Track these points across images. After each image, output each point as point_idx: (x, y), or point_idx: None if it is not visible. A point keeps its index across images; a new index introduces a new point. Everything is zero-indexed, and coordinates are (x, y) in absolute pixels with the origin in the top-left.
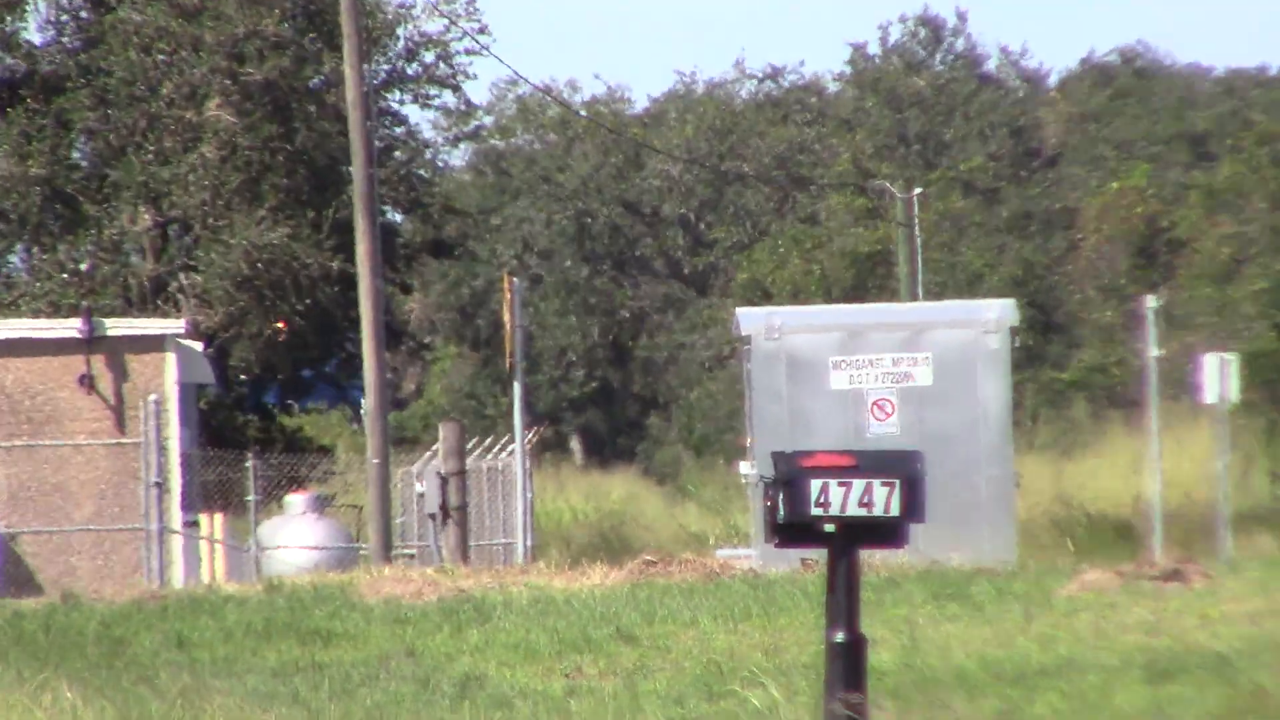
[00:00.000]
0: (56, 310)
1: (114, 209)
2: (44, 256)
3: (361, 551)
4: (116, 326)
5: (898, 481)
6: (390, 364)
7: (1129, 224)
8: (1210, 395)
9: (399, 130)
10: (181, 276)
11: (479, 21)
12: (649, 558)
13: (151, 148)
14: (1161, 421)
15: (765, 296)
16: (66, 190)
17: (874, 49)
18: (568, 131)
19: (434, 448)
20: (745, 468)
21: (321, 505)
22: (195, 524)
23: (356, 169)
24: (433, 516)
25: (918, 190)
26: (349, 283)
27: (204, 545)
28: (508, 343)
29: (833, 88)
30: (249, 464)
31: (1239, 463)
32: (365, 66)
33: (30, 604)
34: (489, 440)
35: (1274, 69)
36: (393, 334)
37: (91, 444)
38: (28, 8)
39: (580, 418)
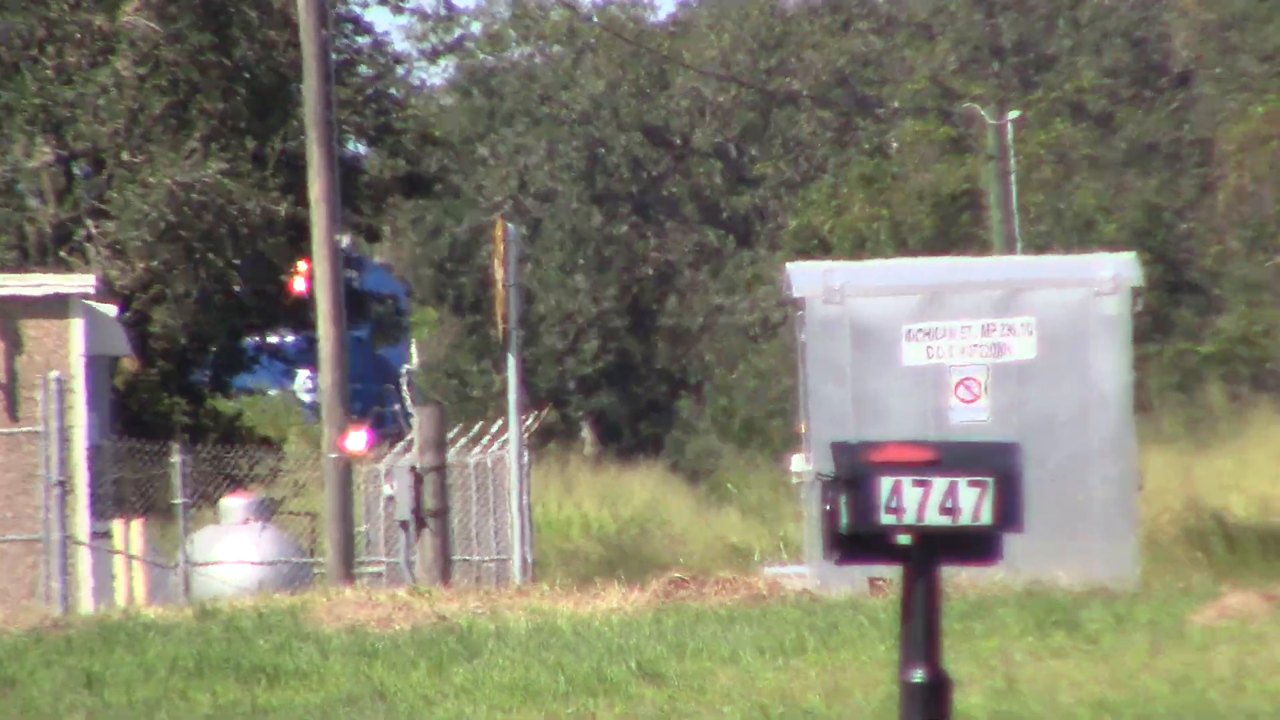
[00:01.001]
0: None
1: (4, 139)
2: None
3: (316, 568)
4: (9, 285)
5: (990, 481)
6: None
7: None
8: None
9: (363, 40)
10: (90, 223)
11: None
12: (678, 576)
13: (51, 62)
14: None
15: (823, 249)
16: None
17: None
18: (575, 42)
19: (406, 439)
20: (798, 463)
21: (267, 511)
22: (107, 534)
23: (309, 88)
24: (404, 524)
25: (1014, 115)
26: (299, 230)
27: (119, 560)
28: (499, 305)
29: None
30: (175, 459)
31: None
32: None
33: None
34: (476, 429)
35: None
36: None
37: None
38: None
39: (592, 400)
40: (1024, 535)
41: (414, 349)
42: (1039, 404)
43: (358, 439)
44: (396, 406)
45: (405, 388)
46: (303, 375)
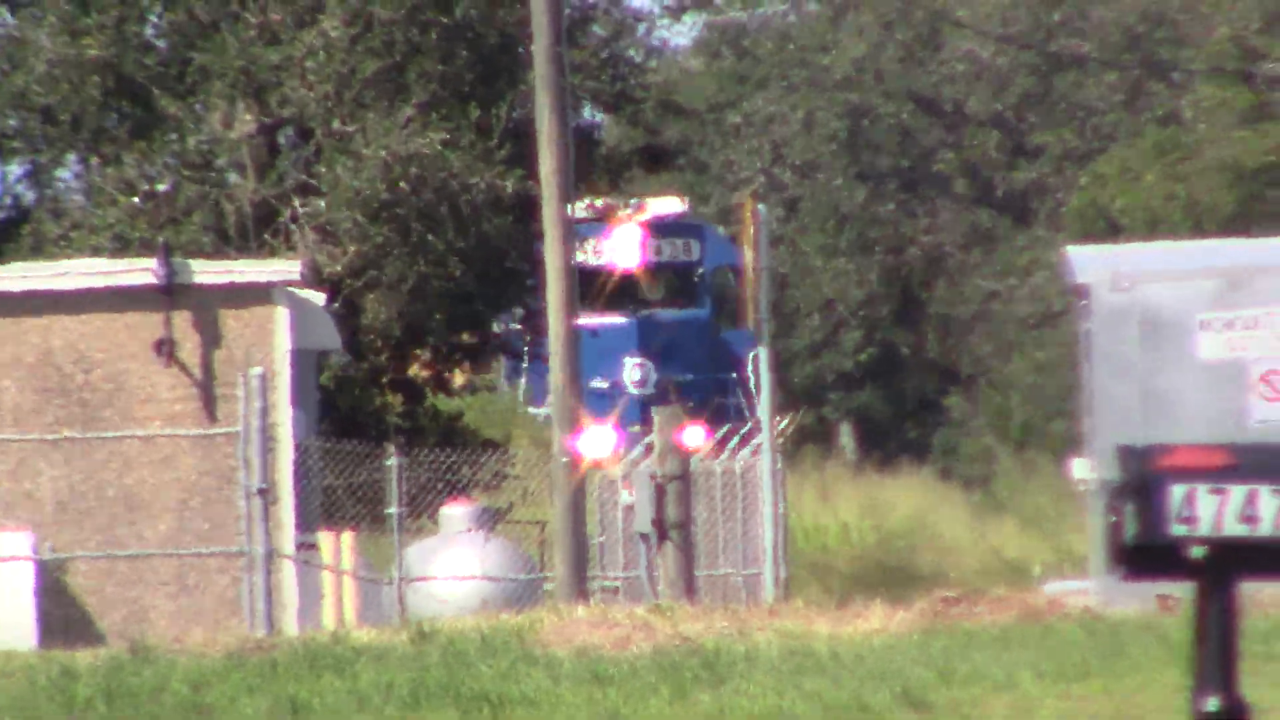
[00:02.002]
0: (124, 248)
1: (203, 107)
2: (106, 172)
3: (546, 584)
4: (206, 271)
5: None
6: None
7: None
8: None
9: None
10: (296, 202)
11: None
12: (948, 594)
13: (254, 21)
14: None
15: (1111, 229)
16: (137, 80)
17: None
18: None
19: (644, 441)
20: (1081, 468)
21: (491, 520)
22: (315, 546)
23: (539, 49)
24: (644, 536)
25: None
26: (529, 208)
27: (327, 576)
28: (750, 293)
29: None
30: (390, 462)
31: None
32: None
33: (86, 657)
34: (722, 431)
35: None
36: (684, 270)
37: (171, 435)
38: None
39: (854, 399)
40: None
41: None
42: None
43: (694, 435)
44: (741, 398)
45: (751, 376)
46: (631, 363)
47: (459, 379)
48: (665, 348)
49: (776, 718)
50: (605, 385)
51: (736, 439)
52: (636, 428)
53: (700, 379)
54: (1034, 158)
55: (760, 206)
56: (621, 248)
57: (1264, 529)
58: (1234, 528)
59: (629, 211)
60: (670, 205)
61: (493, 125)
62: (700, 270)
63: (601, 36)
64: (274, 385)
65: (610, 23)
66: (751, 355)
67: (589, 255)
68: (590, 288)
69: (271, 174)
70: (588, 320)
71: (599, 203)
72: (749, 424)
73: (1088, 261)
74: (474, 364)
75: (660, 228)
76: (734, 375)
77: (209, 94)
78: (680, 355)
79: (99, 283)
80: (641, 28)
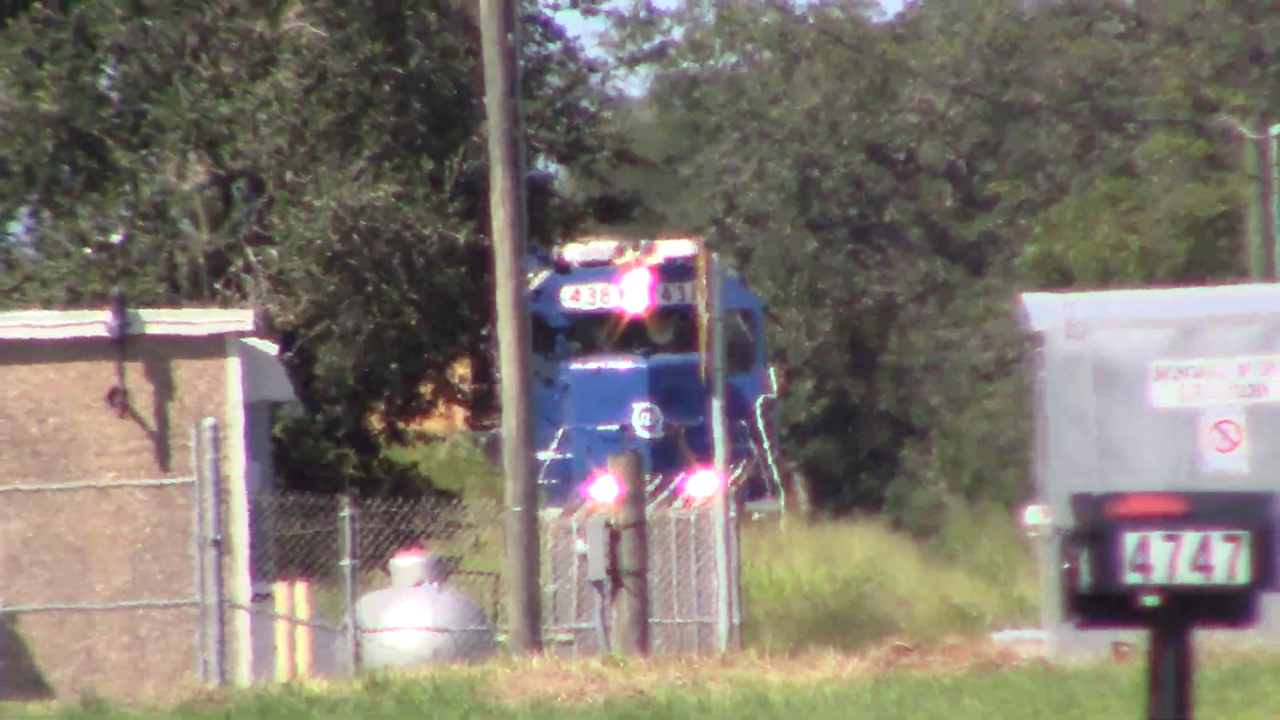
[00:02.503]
0: (75, 299)
1: (156, 158)
2: (59, 225)
3: (499, 635)
4: (159, 321)
5: (1246, 534)
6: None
7: None
8: None
9: (553, 47)
10: (249, 252)
11: None
12: (901, 644)
13: (207, 73)
14: None
15: (1064, 278)
16: (90, 132)
17: None
18: (789, 47)
19: (651, 486)
20: (1034, 516)
21: (444, 571)
22: (269, 597)
23: (492, 100)
24: (598, 585)
25: (1277, 129)
26: (482, 259)
27: (281, 627)
28: (704, 342)
29: None
30: (344, 514)
31: None
32: None
33: (38, 710)
34: (676, 480)
35: None
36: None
37: (124, 485)
38: None
39: (806, 448)
40: None
41: (774, 375)
42: None
43: (705, 480)
44: (752, 445)
45: (761, 422)
46: (639, 408)
47: (437, 423)
48: (673, 392)
49: None
50: (615, 429)
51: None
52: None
53: (709, 424)
54: (987, 208)
55: (715, 254)
56: (631, 291)
57: (1217, 577)
58: (1187, 576)
59: (639, 255)
60: (681, 248)
61: (445, 176)
62: (709, 315)
63: (556, 87)
64: (227, 436)
65: (565, 74)
66: (760, 401)
67: (598, 299)
68: (599, 331)
69: (224, 224)
70: (596, 364)
71: (564, 249)
72: (743, 467)
73: (1043, 309)
74: (427, 415)
75: (670, 270)
76: (742, 421)
77: (162, 146)
78: (688, 399)
79: (53, 334)
80: (596, 78)
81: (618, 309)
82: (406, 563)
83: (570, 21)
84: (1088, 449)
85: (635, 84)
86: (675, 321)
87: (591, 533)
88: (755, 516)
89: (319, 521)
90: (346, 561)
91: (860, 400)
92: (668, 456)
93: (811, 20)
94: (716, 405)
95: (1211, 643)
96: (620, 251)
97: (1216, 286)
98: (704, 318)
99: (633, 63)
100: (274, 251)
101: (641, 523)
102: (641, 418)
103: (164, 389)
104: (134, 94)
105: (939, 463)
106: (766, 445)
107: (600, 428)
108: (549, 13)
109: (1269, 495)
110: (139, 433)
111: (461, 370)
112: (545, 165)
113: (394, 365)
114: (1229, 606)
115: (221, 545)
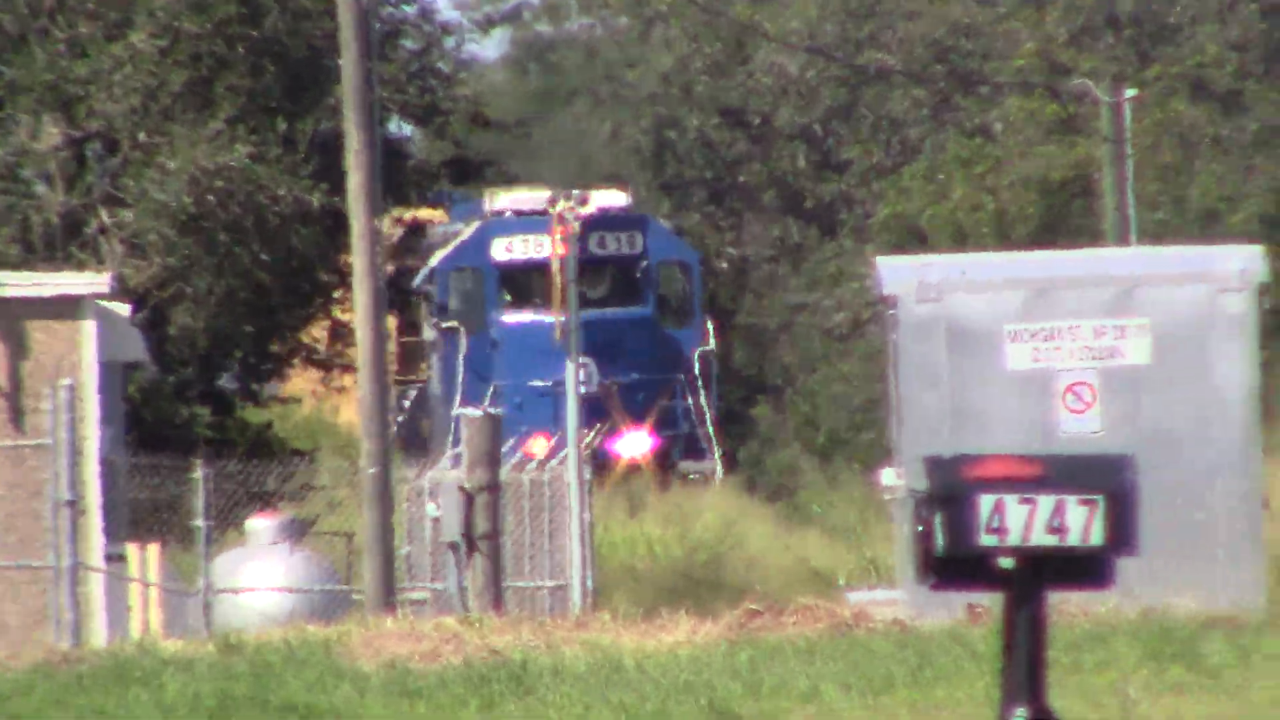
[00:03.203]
0: None
1: (9, 120)
2: None
3: (354, 596)
4: (13, 284)
5: (1101, 498)
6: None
7: None
8: None
9: (409, 10)
10: (103, 213)
11: None
12: (754, 606)
13: (62, 34)
14: None
15: (918, 241)
16: None
17: None
18: (643, 9)
19: (453, 452)
20: (889, 478)
21: (298, 532)
22: (122, 558)
23: (347, 63)
24: (453, 547)
25: (1131, 93)
26: (337, 221)
27: (134, 588)
28: (555, 301)
29: None
30: (197, 474)
31: None
32: None
33: None
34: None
35: None
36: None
37: None
38: None
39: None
40: (1139, 558)
41: (711, 328)
42: (1155, 413)
43: (637, 442)
44: (689, 400)
45: (700, 376)
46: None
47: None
48: (607, 346)
49: None
50: (547, 384)
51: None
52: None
53: (644, 379)
54: (841, 170)
55: (566, 214)
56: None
57: (1072, 539)
58: (1042, 538)
59: (570, 205)
60: (613, 198)
61: (300, 138)
62: (644, 265)
63: (411, 50)
64: (81, 397)
65: (420, 36)
66: (698, 354)
67: (530, 250)
68: (529, 284)
69: (79, 186)
70: (525, 318)
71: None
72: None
73: (895, 272)
74: (281, 375)
75: (601, 221)
76: (681, 376)
77: (16, 107)
78: (623, 355)
79: None
80: (450, 41)
81: (548, 259)
82: (260, 524)
83: None
84: (941, 411)
85: (490, 46)
86: (608, 273)
87: (446, 495)
88: (691, 477)
89: (174, 482)
90: (200, 523)
91: (715, 361)
92: (599, 413)
93: None
94: (570, 366)
95: (1067, 605)
96: (553, 201)
97: (1071, 249)
98: (555, 278)
99: (488, 25)
100: (128, 214)
101: (496, 486)
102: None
103: (17, 350)
104: None
105: (794, 424)
106: (704, 401)
107: (532, 383)
108: None
109: (1124, 458)
110: None
111: (317, 332)
112: (400, 127)
113: (247, 328)
114: (1084, 569)
115: (75, 506)
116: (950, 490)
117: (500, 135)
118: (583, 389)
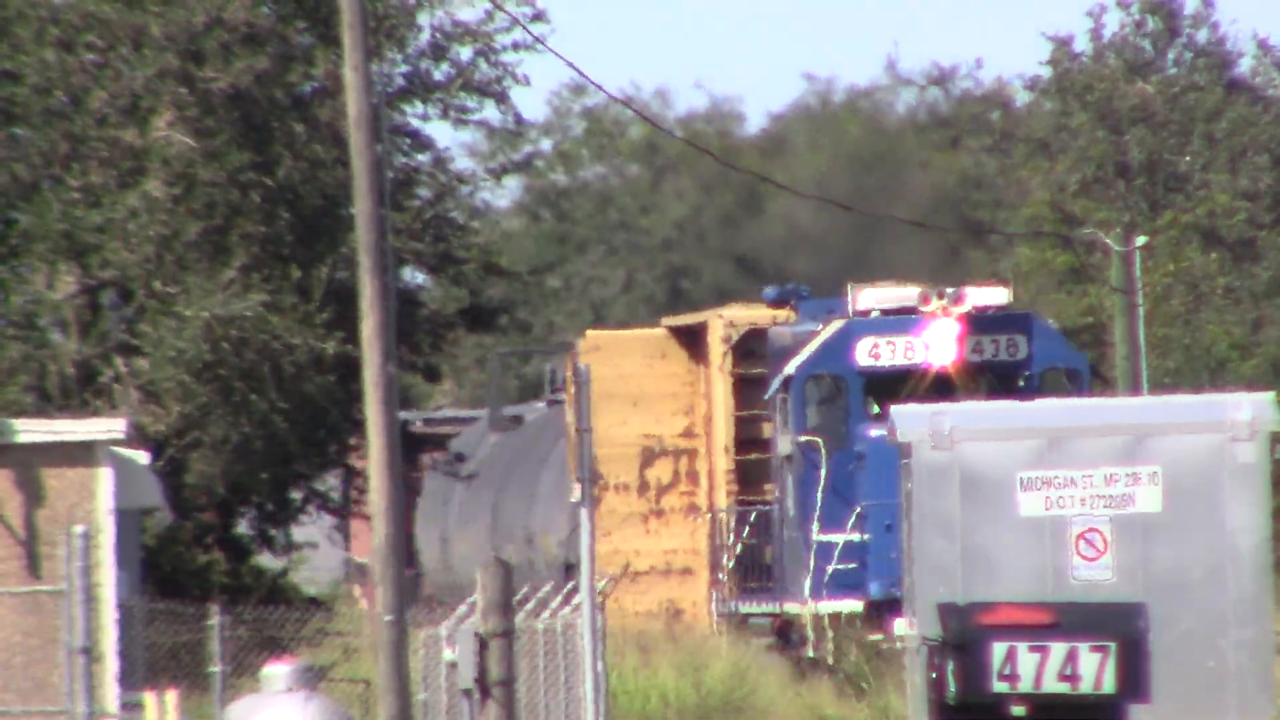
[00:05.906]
0: None
1: (24, 268)
2: None
3: None
4: (29, 430)
5: (1113, 645)
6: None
7: None
8: None
9: (422, 158)
10: (118, 361)
11: (533, 5)
12: None
13: (76, 183)
14: None
15: None
16: None
17: (1082, 44)
18: (656, 160)
19: (469, 600)
20: (902, 625)
21: (313, 679)
22: (138, 705)
23: (360, 211)
24: (468, 693)
25: (1141, 242)
26: (351, 369)
27: None
28: (573, 454)
29: (1023, 98)
30: (213, 622)
31: None
32: (374, 67)
33: None
34: (545, 590)
35: None
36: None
37: None
38: None
39: None
40: (1150, 705)
41: None
42: (1167, 561)
43: None
44: None
45: None
46: None
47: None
48: None
49: None
50: None
51: (559, 599)
52: None
53: None
54: None
55: (583, 365)
56: (936, 344)
57: (1084, 687)
58: (1054, 686)
59: (945, 303)
60: (993, 295)
61: (314, 287)
62: (1027, 373)
63: (425, 198)
64: (97, 543)
65: (434, 184)
66: None
67: (899, 354)
68: (898, 393)
69: (93, 333)
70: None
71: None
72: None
73: (909, 421)
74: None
75: (979, 321)
76: None
77: (30, 255)
78: None
79: None
80: (464, 189)
81: (923, 363)
82: (276, 670)
83: (439, 132)
84: (954, 558)
85: (503, 193)
86: (987, 379)
87: (461, 640)
88: None
89: (190, 629)
90: (216, 669)
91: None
92: None
93: (678, 133)
94: (585, 516)
95: None
96: (925, 299)
97: (1081, 399)
98: (570, 431)
99: (501, 173)
100: (143, 362)
101: (510, 632)
102: None
103: (33, 497)
104: (3, 203)
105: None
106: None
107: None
108: (418, 124)
109: (1136, 606)
110: (8, 540)
111: (332, 479)
112: (413, 276)
113: (263, 475)
114: (1095, 717)
115: (90, 653)
116: (963, 636)
117: (513, 284)
118: None
